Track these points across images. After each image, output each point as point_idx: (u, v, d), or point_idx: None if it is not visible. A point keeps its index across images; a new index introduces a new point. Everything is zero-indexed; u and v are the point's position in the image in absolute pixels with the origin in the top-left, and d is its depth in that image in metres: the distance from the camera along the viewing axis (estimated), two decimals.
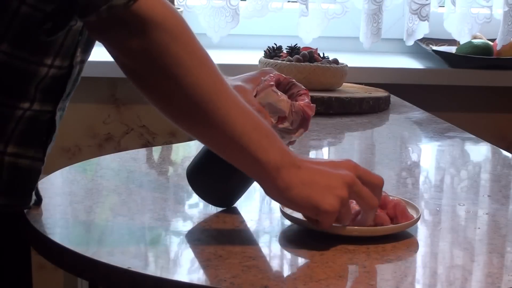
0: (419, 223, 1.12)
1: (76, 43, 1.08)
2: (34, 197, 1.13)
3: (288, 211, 1.12)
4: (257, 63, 1.98)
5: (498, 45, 2.28)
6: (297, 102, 1.16)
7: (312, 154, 1.59)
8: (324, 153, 1.65)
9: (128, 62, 1.02)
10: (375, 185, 1.06)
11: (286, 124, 1.14)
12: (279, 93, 1.15)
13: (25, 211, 1.12)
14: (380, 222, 1.08)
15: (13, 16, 1.01)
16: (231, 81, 1.19)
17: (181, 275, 1.01)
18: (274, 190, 1.03)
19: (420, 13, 2.26)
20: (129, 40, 0.99)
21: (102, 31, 1.00)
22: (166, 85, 1.00)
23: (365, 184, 1.05)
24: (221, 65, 1.04)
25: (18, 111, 1.06)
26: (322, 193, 1.02)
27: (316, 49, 1.98)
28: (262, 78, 1.18)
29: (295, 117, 1.14)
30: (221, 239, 1.07)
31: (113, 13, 0.97)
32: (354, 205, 1.08)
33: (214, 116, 1.01)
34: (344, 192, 1.03)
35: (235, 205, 1.19)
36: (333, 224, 1.05)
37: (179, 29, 1.01)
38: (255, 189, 1.26)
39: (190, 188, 1.18)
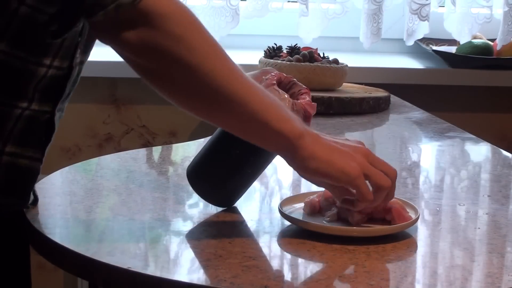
0: (419, 223, 1.13)
1: (76, 44, 1.08)
2: (31, 197, 1.14)
3: (287, 211, 1.12)
4: (257, 63, 1.98)
5: (498, 45, 2.28)
6: (298, 101, 1.16)
7: None
8: None
9: (140, 60, 1.01)
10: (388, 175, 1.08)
11: None
12: (281, 91, 1.16)
13: (24, 210, 1.12)
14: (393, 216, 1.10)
15: (12, 16, 1.01)
16: None
17: (181, 275, 1.01)
18: (298, 160, 1.05)
19: (420, 13, 2.26)
20: (138, 38, 0.99)
21: (109, 31, 1.00)
22: (183, 77, 1.01)
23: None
24: None
25: (16, 110, 1.06)
26: (344, 159, 1.04)
27: (316, 49, 1.98)
28: (263, 77, 1.19)
29: (296, 115, 1.14)
30: (221, 239, 1.07)
31: (121, 12, 0.97)
32: None
33: (234, 98, 1.02)
34: (362, 159, 1.05)
35: (235, 205, 1.19)
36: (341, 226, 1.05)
37: (188, 19, 1.01)
38: (255, 189, 1.26)
39: (190, 188, 1.18)
